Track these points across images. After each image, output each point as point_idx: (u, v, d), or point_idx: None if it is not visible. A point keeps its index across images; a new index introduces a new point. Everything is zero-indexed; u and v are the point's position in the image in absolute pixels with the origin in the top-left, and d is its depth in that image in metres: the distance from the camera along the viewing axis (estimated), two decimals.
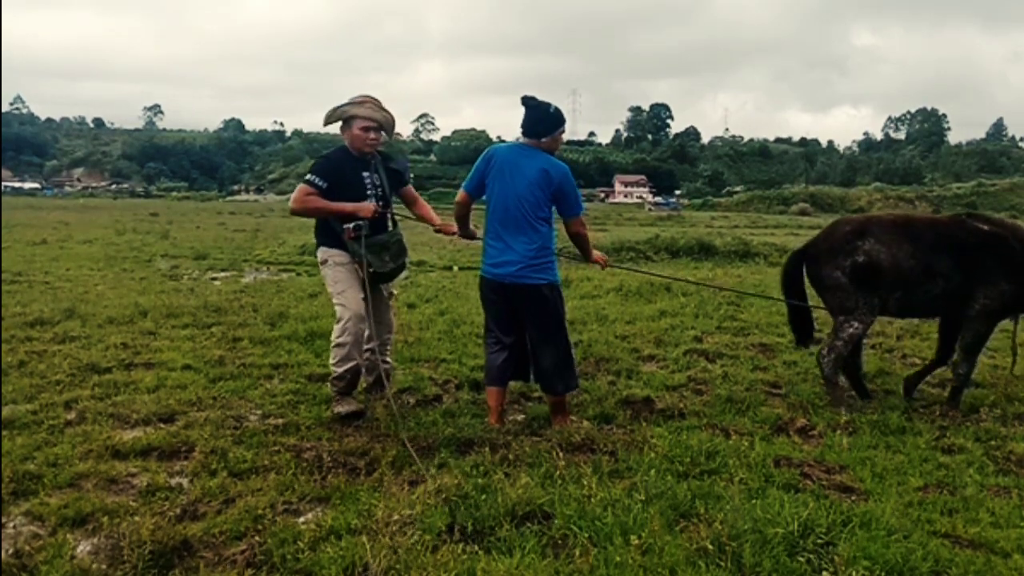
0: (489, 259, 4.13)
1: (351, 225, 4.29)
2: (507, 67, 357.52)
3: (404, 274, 4.75)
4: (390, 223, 4.57)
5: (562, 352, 4.15)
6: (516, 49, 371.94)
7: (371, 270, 4.36)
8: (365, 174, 4.45)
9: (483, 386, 4.55)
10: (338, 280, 4.39)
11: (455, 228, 4.53)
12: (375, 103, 4.40)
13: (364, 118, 4.35)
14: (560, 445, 3.88)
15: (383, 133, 4.47)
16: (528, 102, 4.08)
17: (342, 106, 4.37)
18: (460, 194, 4.29)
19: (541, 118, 4.07)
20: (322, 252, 4.49)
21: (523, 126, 4.09)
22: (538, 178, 3.96)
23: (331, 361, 4.36)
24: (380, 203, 4.43)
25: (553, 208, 4.09)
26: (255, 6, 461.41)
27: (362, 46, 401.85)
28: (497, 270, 4.07)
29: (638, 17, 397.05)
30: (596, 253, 4.57)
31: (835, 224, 5.13)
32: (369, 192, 4.43)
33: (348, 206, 4.30)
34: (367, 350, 4.45)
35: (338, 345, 4.30)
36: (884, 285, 4.67)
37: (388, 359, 4.80)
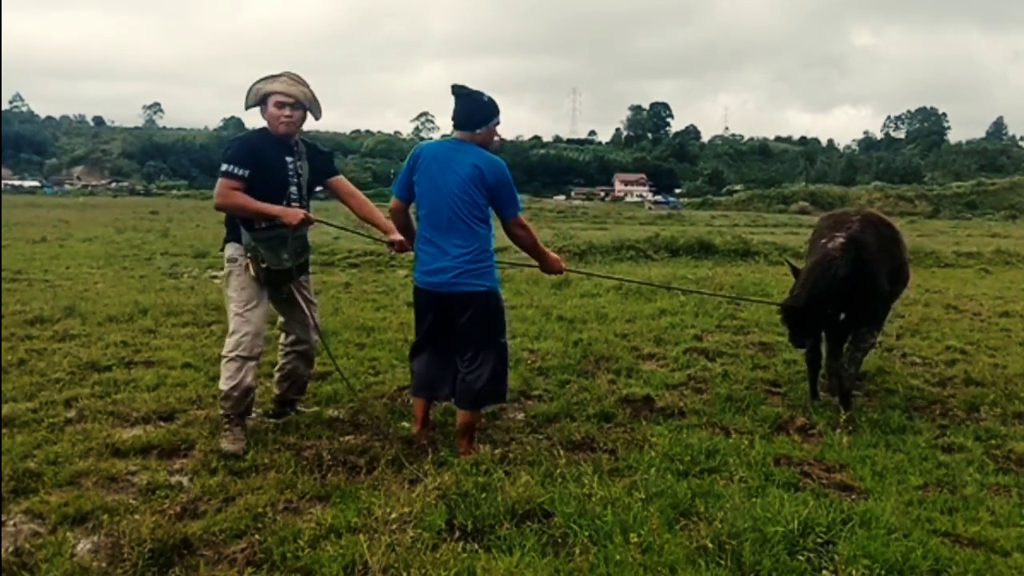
0: (422, 266, 3.74)
1: None
2: (508, 67, 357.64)
3: (305, 277, 4.16)
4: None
5: (497, 366, 3.74)
6: (517, 49, 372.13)
7: (263, 266, 3.81)
8: (289, 159, 3.92)
9: None
10: (245, 287, 3.87)
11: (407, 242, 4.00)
12: (291, 77, 3.88)
13: (279, 93, 3.82)
14: (560, 444, 3.89)
15: (303, 112, 3.91)
16: (459, 91, 3.70)
17: (255, 84, 3.87)
18: (392, 202, 3.90)
19: (474, 108, 3.68)
20: (230, 248, 3.94)
21: (454, 118, 3.71)
22: (471, 174, 3.58)
23: (222, 378, 3.83)
24: (298, 193, 3.97)
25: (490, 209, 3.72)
26: (260, 6, 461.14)
27: (364, 46, 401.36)
28: (431, 278, 3.69)
29: (639, 18, 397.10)
30: (552, 255, 4.05)
31: (869, 220, 4.60)
32: (292, 179, 3.92)
33: (274, 209, 3.77)
34: (288, 352, 4.17)
35: (231, 360, 3.80)
36: (898, 289, 4.55)
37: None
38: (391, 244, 4.05)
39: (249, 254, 3.82)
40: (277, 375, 4.27)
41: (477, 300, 3.66)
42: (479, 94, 3.72)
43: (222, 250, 4.01)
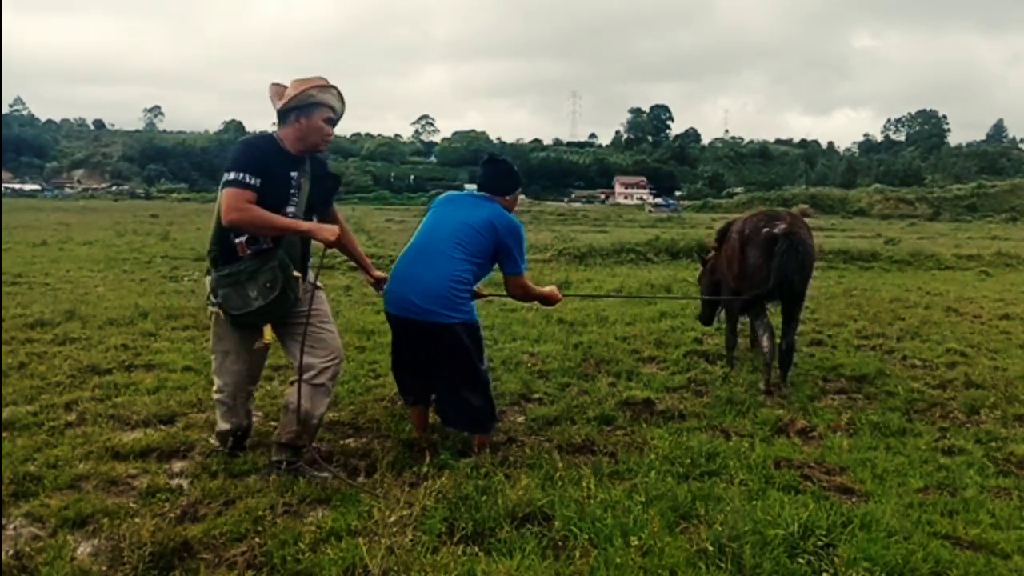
0: (394, 289, 3.68)
1: (243, 239, 3.30)
2: (509, 70, 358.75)
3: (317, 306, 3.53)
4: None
5: (481, 395, 3.71)
6: (519, 52, 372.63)
7: (233, 313, 3.36)
8: (293, 174, 3.41)
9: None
10: (223, 337, 3.54)
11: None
12: (338, 91, 3.47)
13: (331, 108, 3.42)
14: (560, 446, 3.89)
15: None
16: (493, 158, 3.93)
17: (309, 88, 3.36)
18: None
19: (506, 175, 3.86)
20: (210, 285, 3.45)
21: (483, 182, 3.83)
22: (483, 224, 3.63)
23: (217, 414, 3.69)
24: (294, 214, 3.45)
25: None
26: (263, 10, 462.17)
27: (368, 50, 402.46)
28: (400, 303, 3.62)
29: (640, 21, 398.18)
30: (547, 293, 4.03)
31: (793, 215, 5.48)
32: (292, 198, 3.42)
33: (305, 224, 3.34)
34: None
35: (219, 401, 3.64)
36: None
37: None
38: (376, 283, 3.99)
39: (215, 302, 3.41)
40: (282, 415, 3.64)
41: (450, 332, 3.56)
42: (510, 163, 3.94)
43: (208, 274, 3.48)
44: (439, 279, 3.55)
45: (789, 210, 5.98)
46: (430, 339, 3.61)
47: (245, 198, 3.19)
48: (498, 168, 3.89)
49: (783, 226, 5.10)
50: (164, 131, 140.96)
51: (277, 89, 3.45)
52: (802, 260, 5.00)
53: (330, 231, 3.32)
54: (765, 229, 5.16)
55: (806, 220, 5.73)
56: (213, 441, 3.78)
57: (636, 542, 2.71)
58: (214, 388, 3.67)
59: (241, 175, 3.21)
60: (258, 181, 3.22)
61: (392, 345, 3.91)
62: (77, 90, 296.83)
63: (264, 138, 3.46)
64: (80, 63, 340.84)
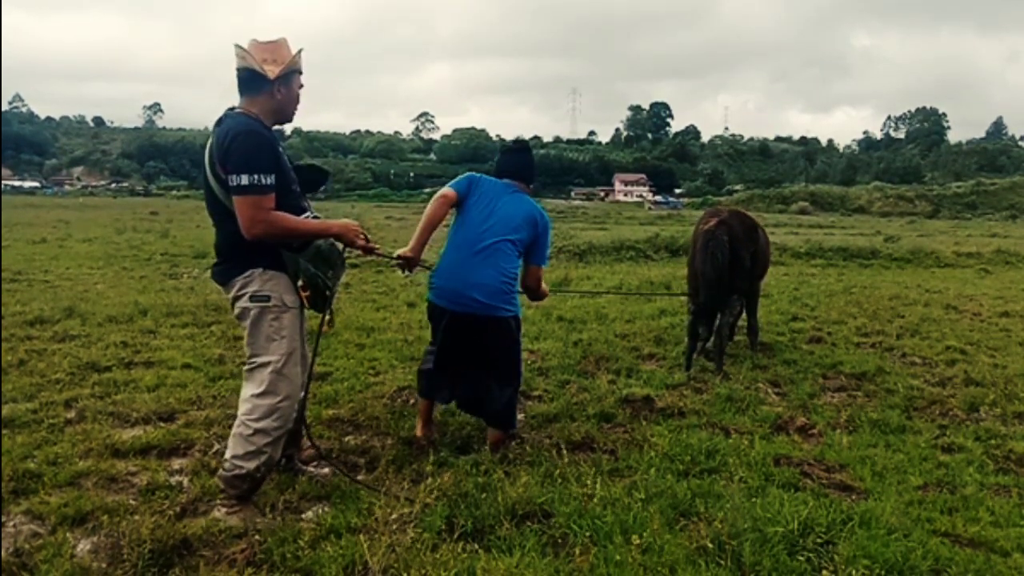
0: (448, 282, 3.65)
1: None
2: (510, 68, 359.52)
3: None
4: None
5: (515, 391, 3.82)
6: (520, 51, 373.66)
7: (328, 293, 3.10)
8: (280, 150, 3.04)
9: None
10: (285, 335, 2.97)
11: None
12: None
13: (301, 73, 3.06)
14: (560, 444, 3.89)
15: None
16: (520, 146, 4.00)
17: (296, 54, 2.99)
18: (448, 192, 3.72)
19: (532, 163, 3.99)
20: (259, 279, 2.94)
21: (513, 169, 3.85)
22: (529, 214, 3.73)
23: (240, 449, 2.92)
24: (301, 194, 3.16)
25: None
26: (269, 10, 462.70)
27: (372, 49, 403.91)
28: (459, 299, 3.61)
29: (642, 21, 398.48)
30: (546, 288, 4.10)
31: (734, 212, 5.95)
32: (292, 173, 3.08)
33: (334, 225, 3.05)
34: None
35: (261, 431, 2.91)
36: (758, 270, 6.12)
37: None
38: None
39: (305, 283, 3.02)
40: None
41: (507, 325, 3.68)
42: (531, 154, 4.05)
43: (224, 283, 3.03)
44: (497, 275, 3.63)
45: (733, 208, 6.50)
46: (488, 333, 3.66)
47: (266, 205, 2.80)
48: (525, 157, 3.97)
49: (714, 221, 5.56)
50: (164, 128, 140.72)
51: (243, 52, 2.94)
52: (724, 255, 5.36)
53: (354, 230, 3.09)
54: (701, 225, 5.70)
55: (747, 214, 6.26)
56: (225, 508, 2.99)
57: (636, 539, 2.71)
58: (256, 414, 2.92)
59: (256, 177, 2.77)
60: (273, 178, 2.82)
61: (440, 343, 3.77)
62: (77, 87, 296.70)
63: (255, 120, 2.92)
64: (81, 61, 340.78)
